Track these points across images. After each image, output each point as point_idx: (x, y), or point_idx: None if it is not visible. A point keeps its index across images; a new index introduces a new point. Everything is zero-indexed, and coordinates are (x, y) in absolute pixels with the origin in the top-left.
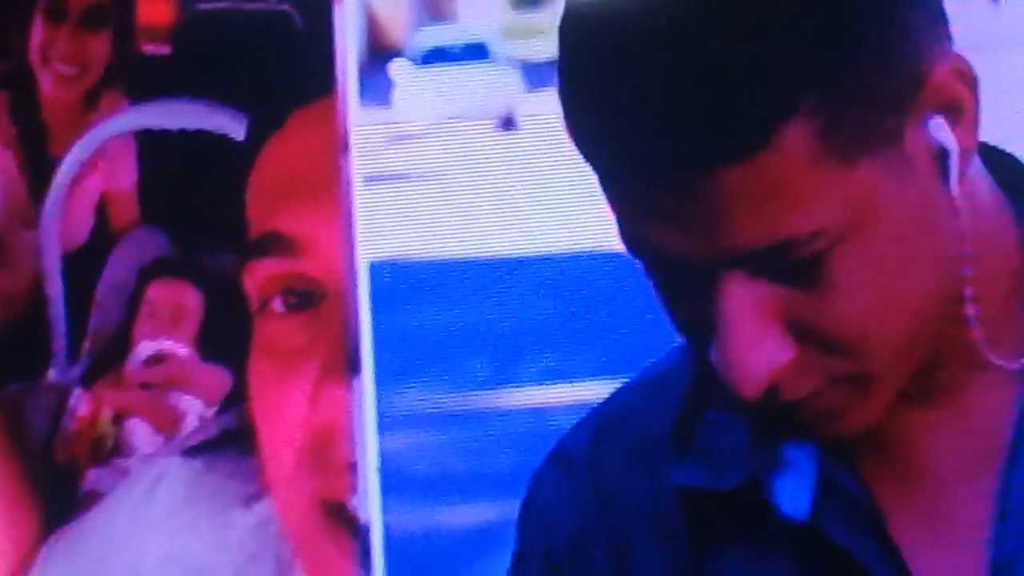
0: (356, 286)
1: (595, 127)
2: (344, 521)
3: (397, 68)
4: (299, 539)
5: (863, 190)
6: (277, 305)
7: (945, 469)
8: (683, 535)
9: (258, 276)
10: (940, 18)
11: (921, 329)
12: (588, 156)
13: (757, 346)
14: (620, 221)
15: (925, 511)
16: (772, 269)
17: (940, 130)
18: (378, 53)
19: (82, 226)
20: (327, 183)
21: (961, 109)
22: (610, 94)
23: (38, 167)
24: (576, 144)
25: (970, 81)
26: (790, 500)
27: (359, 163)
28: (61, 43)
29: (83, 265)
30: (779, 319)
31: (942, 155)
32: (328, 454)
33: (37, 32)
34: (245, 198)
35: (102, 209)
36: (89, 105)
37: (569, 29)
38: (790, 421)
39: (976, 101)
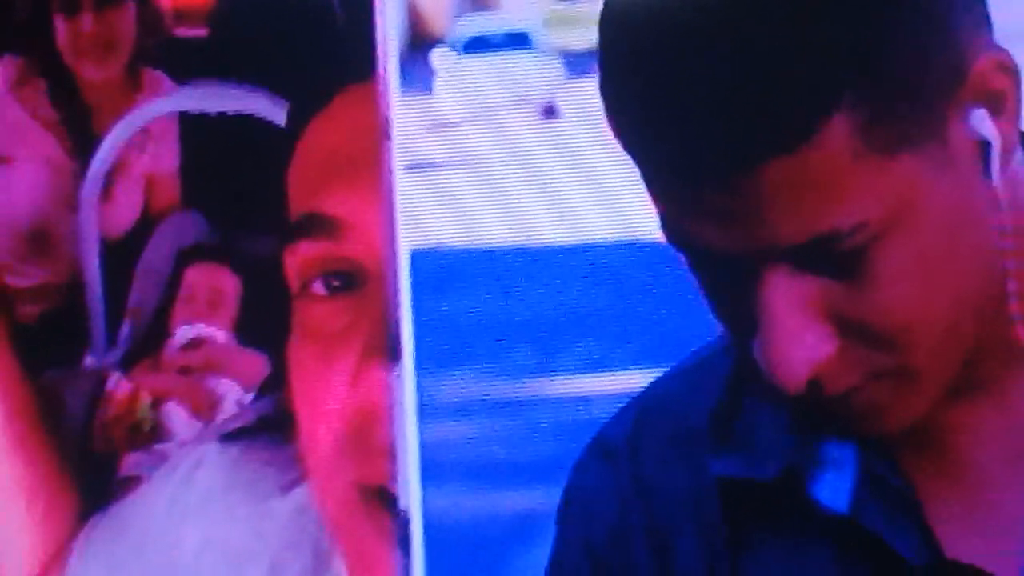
0: (398, 274)
1: (638, 122)
2: (384, 504)
3: (438, 56)
4: (338, 523)
5: (905, 183)
6: (318, 287)
7: (985, 463)
8: (722, 524)
9: (299, 257)
10: (981, 10)
11: (963, 322)
12: (631, 151)
13: (799, 340)
14: (663, 216)
15: (965, 505)
16: (815, 263)
17: (982, 122)
18: (420, 41)
19: (131, 212)
20: (370, 165)
21: (1003, 101)
22: (652, 89)
23: (86, 148)
24: (619, 139)
25: (1012, 73)
26: (831, 492)
27: (400, 151)
28: (85, 31)
29: (128, 249)
30: (822, 313)
31: (984, 147)
32: (368, 437)
33: (60, 30)
34: (286, 181)
35: (146, 193)
36: (132, 85)
37: (610, 25)
38: (833, 416)
39: (1018, 92)
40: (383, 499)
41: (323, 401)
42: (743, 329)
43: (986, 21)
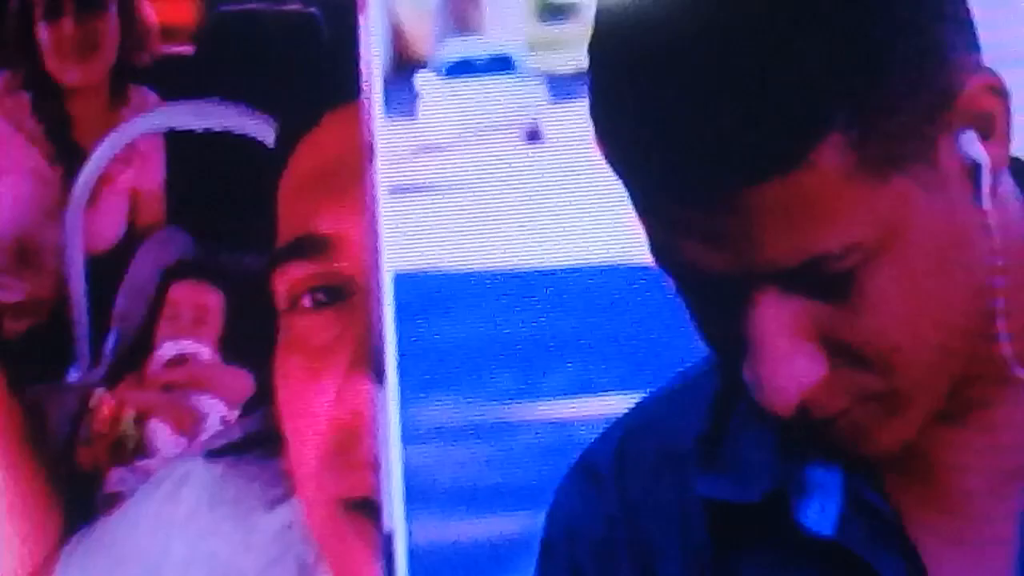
0: (382, 298)
1: (628, 145)
2: (368, 516)
3: (422, 80)
4: (323, 537)
5: (895, 205)
6: (306, 301)
7: (971, 487)
8: (708, 546)
9: (289, 278)
10: (970, 32)
11: (952, 345)
12: (621, 173)
13: (789, 363)
14: (652, 238)
15: (951, 528)
16: (805, 285)
17: (971, 144)
18: (403, 64)
19: (116, 226)
20: (359, 187)
21: (993, 123)
22: (644, 112)
23: (69, 158)
24: (609, 162)
25: (1002, 95)
26: (816, 516)
27: (385, 173)
28: (67, 34)
29: (113, 264)
30: (811, 335)
31: (974, 170)
32: (351, 451)
33: (43, 33)
34: (274, 200)
35: (131, 208)
36: (118, 100)
37: (600, 47)
38: (821, 439)
39: (1008, 115)
40: (367, 511)
41: (309, 413)
42: (732, 352)
43: (975, 43)
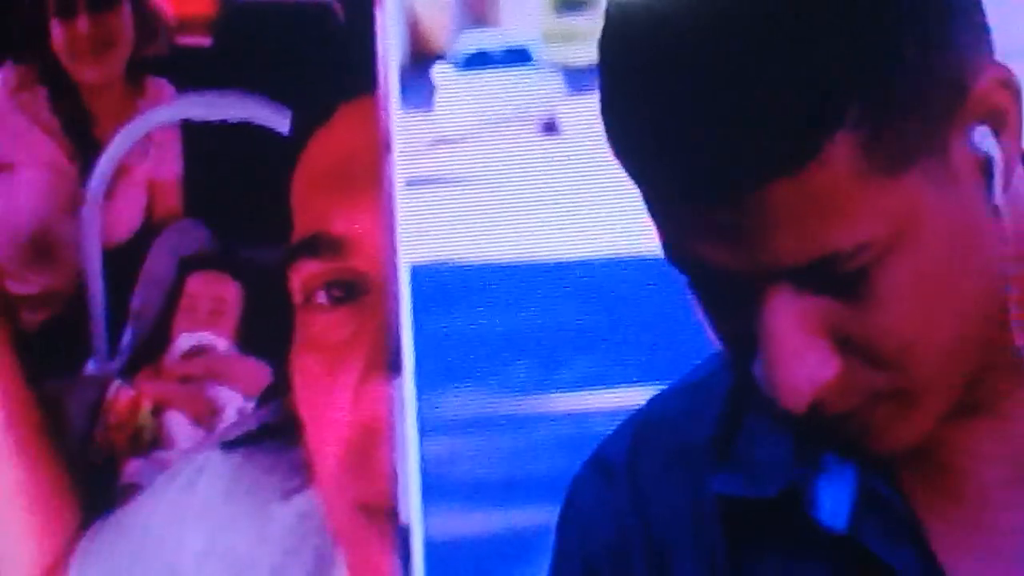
0: (398, 290)
1: (639, 143)
2: (386, 518)
3: (439, 72)
4: (341, 536)
5: (908, 202)
6: (321, 298)
7: (986, 481)
8: (721, 542)
9: (304, 274)
10: (982, 28)
11: (966, 341)
12: (632, 172)
13: (802, 360)
14: (664, 236)
15: (965, 523)
16: (817, 282)
17: (984, 140)
18: (420, 57)
19: (133, 217)
20: (374, 179)
21: (1005, 118)
22: (654, 111)
23: (87, 153)
24: (620, 160)
25: (1014, 90)
26: (830, 510)
27: (401, 166)
28: (82, 33)
29: (130, 255)
30: (824, 333)
31: (986, 165)
32: (371, 457)
33: (56, 33)
34: (289, 192)
35: (148, 200)
36: (135, 91)
37: (610, 45)
38: (834, 436)
39: (1020, 109)
40: (385, 516)
41: (327, 412)
42: (745, 349)
43: (987, 39)
